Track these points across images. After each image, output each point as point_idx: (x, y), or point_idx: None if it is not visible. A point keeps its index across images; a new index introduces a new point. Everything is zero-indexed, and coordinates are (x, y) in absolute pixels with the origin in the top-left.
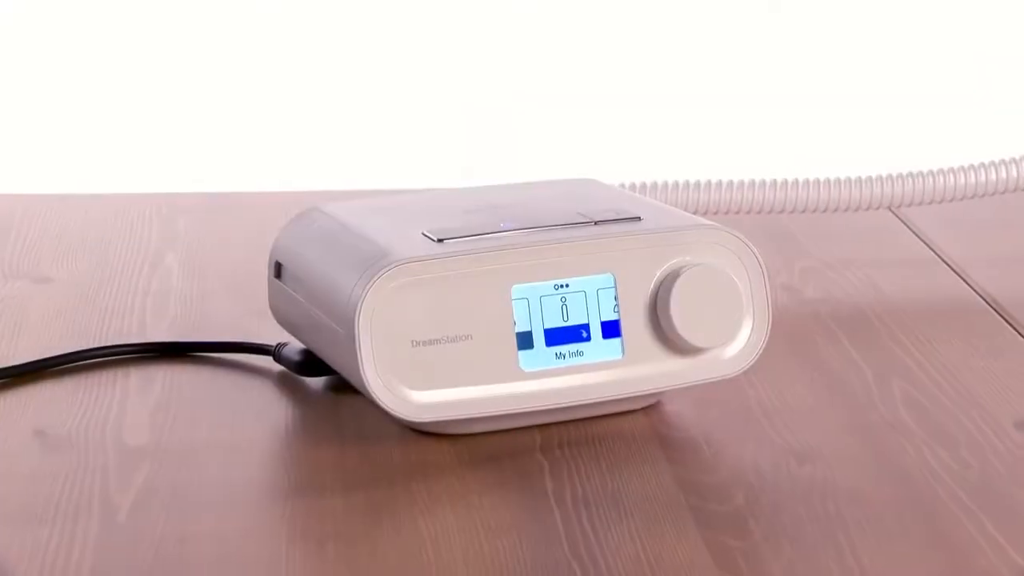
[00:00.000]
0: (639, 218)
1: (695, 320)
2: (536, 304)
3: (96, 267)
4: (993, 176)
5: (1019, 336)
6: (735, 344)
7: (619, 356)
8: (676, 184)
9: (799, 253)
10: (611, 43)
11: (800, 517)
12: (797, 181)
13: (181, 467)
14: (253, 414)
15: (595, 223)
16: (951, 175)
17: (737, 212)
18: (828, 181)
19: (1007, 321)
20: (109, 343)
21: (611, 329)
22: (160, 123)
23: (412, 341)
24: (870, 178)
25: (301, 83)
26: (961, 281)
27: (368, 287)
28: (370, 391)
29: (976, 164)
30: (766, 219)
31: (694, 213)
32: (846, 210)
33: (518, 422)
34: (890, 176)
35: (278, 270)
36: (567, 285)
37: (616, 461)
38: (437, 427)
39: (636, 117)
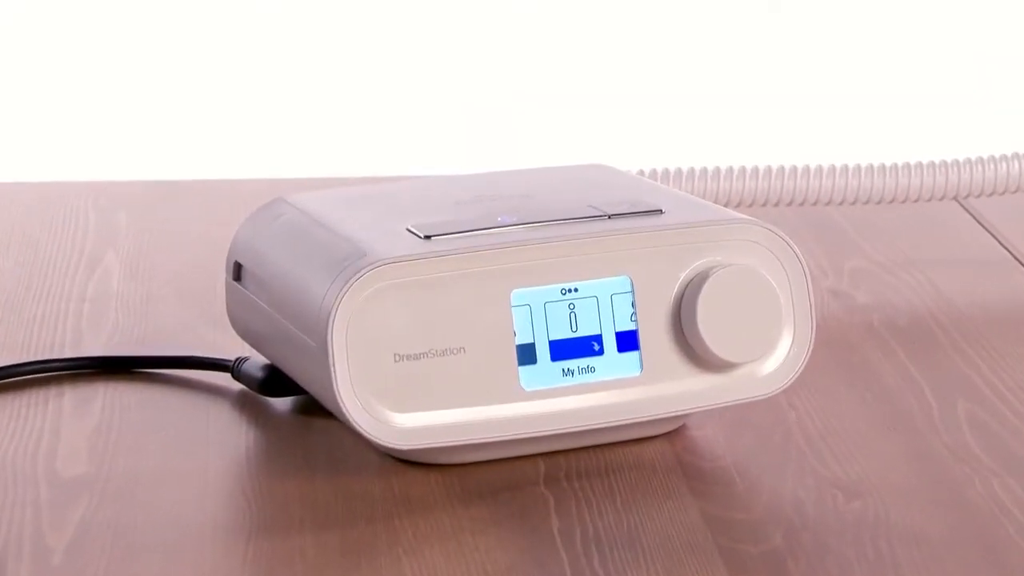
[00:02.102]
0: (660, 211)
1: (726, 331)
2: (540, 312)
3: (22, 268)
4: None
5: None
6: (773, 359)
7: (637, 372)
8: (704, 171)
9: (849, 251)
10: (625, 18)
11: (848, 560)
12: (847, 167)
13: (125, 502)
14: (208, 440)
15: (609, 217)
16: None
17: (776, 204)
18: (883, 167)
19: None
20: (39, 358)
21: (628, 341)
22: (98, 99)
23: (395, 355)
24: (933, 163)
25: (265, 54)
26: None
27: (343, 292)
28: (345, 413)
29: None
30: (810, 212)
31: (724, 205)
32: (904, 201)
33: (519, 449)
34: (956, 161)
35: (237, 272)
36: (576, 290)
37: (633, 495)
38: (424, 455)
39: (656, 97)
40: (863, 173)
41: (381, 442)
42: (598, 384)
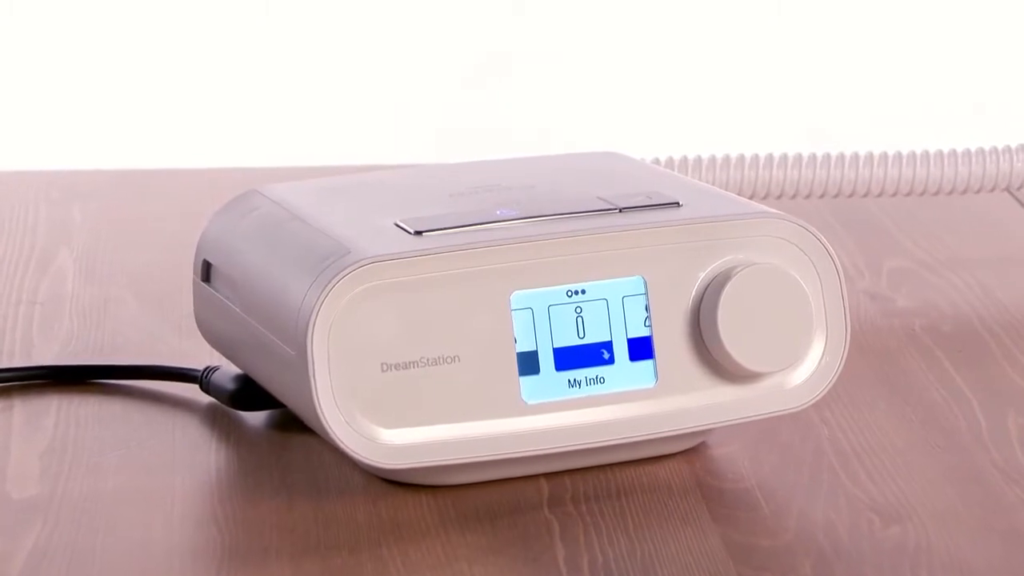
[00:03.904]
0: (677, 203)
1: (750, 337)
2: (543, 316)
3: None
4: None
5: None
6: (802, 369)
7: (651, 384)
8: (727, 159)
9: (889, 249)
10: None
11: None
12: (885, 155)
13: (82, 527)
14: (175, 459)
15: (620, 210)
16: None
17: (806, 196)
18: (927, 155)
19: None
20: None
21: (641, 349)
22: (48, 80)
23: (382, 364)
24: (982, 150)
25: (238, 30)
26: None
27: (324, 294)
28: (327, 429)
29: None
30: (844, 205)
31: (749, 197)
32: (950, 192)
33: (520, 469)
34: (1008, 148)
35: (206, 271)
36: (583, 291)
37: (647, 520)
38: (414, 476)
39: (673, 79)
40: (904, 161)
41: (367, 461)
42: (608, 396)
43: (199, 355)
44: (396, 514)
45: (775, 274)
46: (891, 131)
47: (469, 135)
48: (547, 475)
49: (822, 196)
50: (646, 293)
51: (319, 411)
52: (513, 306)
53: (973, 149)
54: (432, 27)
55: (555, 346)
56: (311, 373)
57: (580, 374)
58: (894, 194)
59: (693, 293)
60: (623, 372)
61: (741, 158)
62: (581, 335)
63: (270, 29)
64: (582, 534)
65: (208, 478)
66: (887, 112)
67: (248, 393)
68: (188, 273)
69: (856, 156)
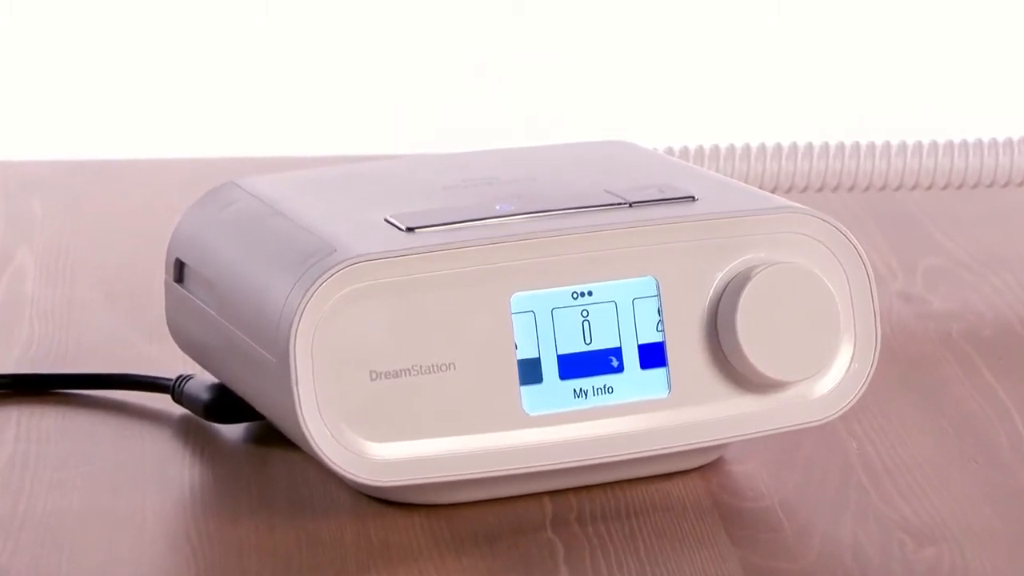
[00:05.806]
0: (692, 197)
1: (771, 343)
2: (546, 320)
3: None
4: None
5: None
6: (829, 377)
7: (664, 394)
8: (746, 149)
9: (923, 247)
10: None
11: None
12: (920, 144)
13: (45, 548)
14: (145, 475)
15: (630, 205)
16: None
17: (833, 189)
18: (965, 144)
19: None
20: None
21: (653, 355)
22: (5, 64)
23: (371, 372)
24: None
25: (227, 17)
26: None
27: (309, 295)
28: (311, 442)
29: None
30: (876, 198)
31: (771, 191)
32: (991, 185)
33: (521, 487)
34: None
35: (180, 271)
36: (590, 293)
37: (660, 542)
38: (406, 494)
39: (687, 63)
40: (940, 151)
41: (354, 477)
42: (617, 408)
43: (171, 362)
44: (386, 535)
45: (799, 274)
46: (890, 131)
47: (469, 134)
48: (550, 493)
49: (851, 189)
50: (658, 295)
51: (302, 423)
52: (513, 309)
53: (1016, 138)
54: (432, 26)
55: (559, 353)
56: (294, 381)
57: (586, 383)
58: (930, 187)
59: (710, 295)
60: (633, 381)
61: (762, 148)
62: (587, 341)
63: (265, 18)
64: (588, 557)
65: (181, 496)
66: (886, 112)
67: (224, 404)
68: (159, 273)
69: (888, 145)
